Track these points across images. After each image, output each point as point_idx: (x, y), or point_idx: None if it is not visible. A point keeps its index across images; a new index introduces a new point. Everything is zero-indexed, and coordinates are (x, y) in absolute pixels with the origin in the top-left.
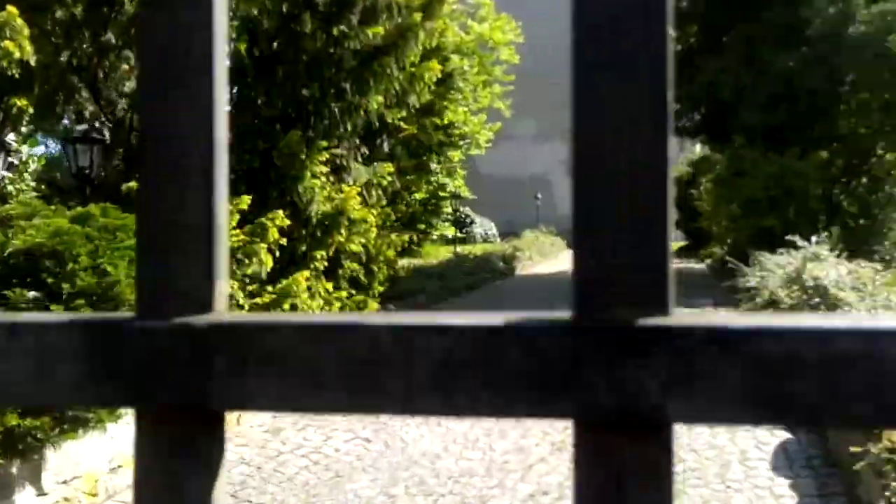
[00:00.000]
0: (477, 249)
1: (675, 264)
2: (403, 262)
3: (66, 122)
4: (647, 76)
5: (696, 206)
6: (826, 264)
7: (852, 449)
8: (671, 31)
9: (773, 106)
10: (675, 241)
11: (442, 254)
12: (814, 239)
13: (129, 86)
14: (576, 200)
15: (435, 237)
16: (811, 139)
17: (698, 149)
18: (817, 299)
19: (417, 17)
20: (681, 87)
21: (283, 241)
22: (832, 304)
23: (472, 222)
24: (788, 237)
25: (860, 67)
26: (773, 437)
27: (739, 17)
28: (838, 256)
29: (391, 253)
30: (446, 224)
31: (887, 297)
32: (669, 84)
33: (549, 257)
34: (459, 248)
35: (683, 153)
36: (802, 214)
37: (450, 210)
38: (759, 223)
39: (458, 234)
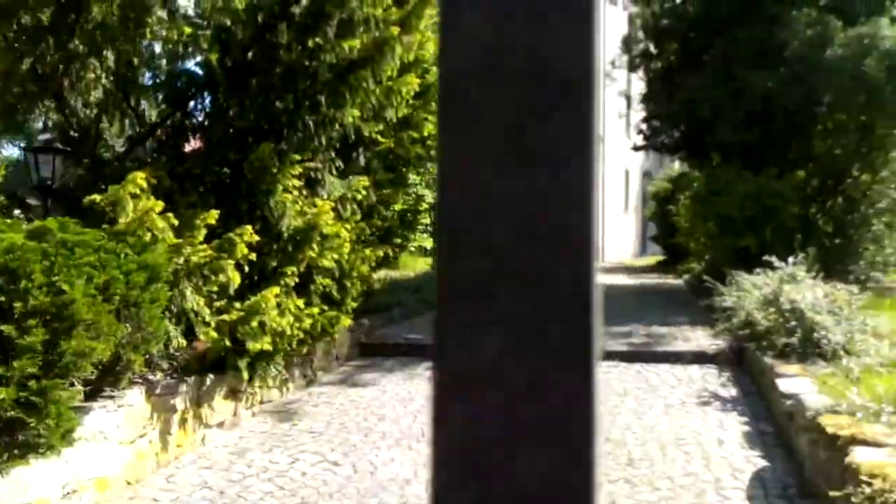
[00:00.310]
0: None
1: (653, 279)
2: (380, 275)
3: (28, 131)
4: None
5: (674, 221)
6: (802, 286)
7: (832, 494)
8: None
9: (750, 124)
10: (654, 256)
11: (420, 265)
12: (790, 260)
13: (96, 95)
14: None
15: (413, 249)
16: (787, 159)
17: (677, 165)
18: (794, 322)
19: (395, 30)
20: (660, 104)
21: (253, 257)
22: (808, 328)
23: None
24: (766, 258)
25: (837, 89)
26: (748, 463)
27: (719, 36)
28: (814, 277)
29: (365, 268)
30: (424, 236)
31: (863, 320)
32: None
33: None
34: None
35: (662, 168)
36: (779, 234)
37: (428, 221)
38: (735, 243)
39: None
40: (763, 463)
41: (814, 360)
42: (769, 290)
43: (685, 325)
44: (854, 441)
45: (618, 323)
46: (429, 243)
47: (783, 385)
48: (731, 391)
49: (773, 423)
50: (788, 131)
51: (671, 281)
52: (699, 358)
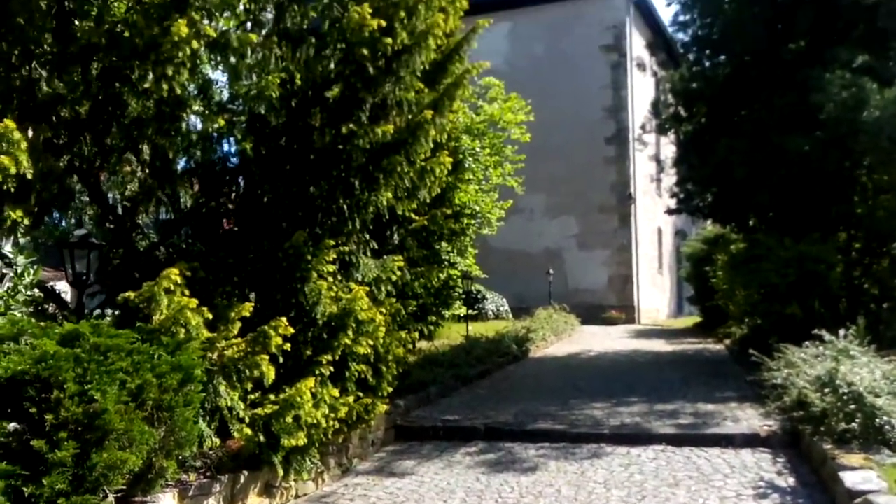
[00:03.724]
0: (489, 331)
1: (693, 345)
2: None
3: (62, 225)
4: None
5: (712, 284)
6: (858, 365)
7: None
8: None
9: (787, 187)
10: (691, 317)
11: (454, 334)
12: (841, 333)
13: (131, 188)
14: None
15: (447, 316)
16: (828, 221)
17: (709, 225)
18: (853, 406)
19: (428, 114)
20: (693, 167)
21: (287, 347)
22: (869, 413)
23: (483, 298)
24: (814, 331)
25: (876, 151)
26: None
27: (751, 99)
28: (866, 350)
29: (401, 351)
30: (457, 304)
31: None
32: None
33: (562, 336)
34: (472, 328)
35: (695, 227)
36: (825, 301)
37: (460, 291)
38: (780, 310)
39: (470, 312)
40: None
41: (878, 448)
42: (823, 371)
43: (733, 401)
44: None
45: (663, 400)
46: (462, 311)
47: (848, 479)
48: (789, 480)
49: None
50: (828, 193)
51: (711, 346)
52: (751, 441)
